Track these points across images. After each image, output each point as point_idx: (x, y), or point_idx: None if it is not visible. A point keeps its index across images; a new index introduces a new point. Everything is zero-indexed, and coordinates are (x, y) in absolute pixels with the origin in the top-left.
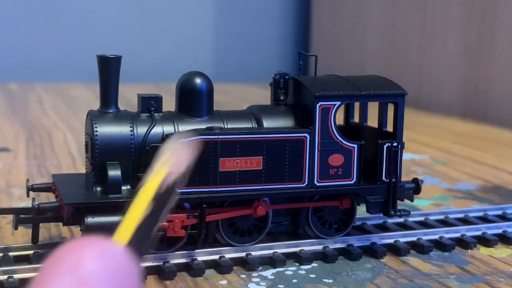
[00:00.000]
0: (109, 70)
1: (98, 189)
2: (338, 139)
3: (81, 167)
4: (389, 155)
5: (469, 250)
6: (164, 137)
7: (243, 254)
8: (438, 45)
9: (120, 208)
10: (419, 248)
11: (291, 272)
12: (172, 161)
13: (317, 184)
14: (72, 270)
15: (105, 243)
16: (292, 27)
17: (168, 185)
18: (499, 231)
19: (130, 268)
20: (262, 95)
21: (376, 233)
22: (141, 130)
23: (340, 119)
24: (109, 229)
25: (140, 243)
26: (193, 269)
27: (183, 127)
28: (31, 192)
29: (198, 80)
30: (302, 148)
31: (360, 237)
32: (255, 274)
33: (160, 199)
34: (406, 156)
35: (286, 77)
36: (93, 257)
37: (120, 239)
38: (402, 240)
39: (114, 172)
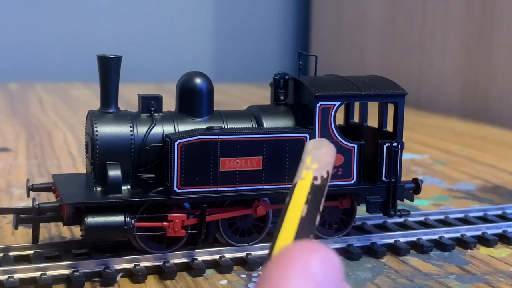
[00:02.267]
0: (109, 70)
1: (98, 189)
2: (338, 139)
3: (81, 167)
4: (389, 155)
5: (469, 250)
6: (164, 138)
7: (243, 254)
8: (438, 45)
9: (121, 208)
10: (419, 248)
11: None
12: (315, 165)
13: None
14: (305, 273)
15: (324, 248)
16: (292, 27)
17: (316, 186)
18: (499, 231)
19: (342, 274)
20: (262, 95)
21: (376, 233)
22: (141, 130)
23: (340, 119)
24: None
25: (304, 239)
26: (193, 269)
27: (183, 127)
28: (31, 192)
29: (198, 80)
30: (302, 148)
31: (360, 237)
32: (255, 274)
33: (311, 200)
34: (406, 156)
35: (286, 77)
36: (321, 261)
37: (286, 238)
38: (402, 240)
39: (114, 172)
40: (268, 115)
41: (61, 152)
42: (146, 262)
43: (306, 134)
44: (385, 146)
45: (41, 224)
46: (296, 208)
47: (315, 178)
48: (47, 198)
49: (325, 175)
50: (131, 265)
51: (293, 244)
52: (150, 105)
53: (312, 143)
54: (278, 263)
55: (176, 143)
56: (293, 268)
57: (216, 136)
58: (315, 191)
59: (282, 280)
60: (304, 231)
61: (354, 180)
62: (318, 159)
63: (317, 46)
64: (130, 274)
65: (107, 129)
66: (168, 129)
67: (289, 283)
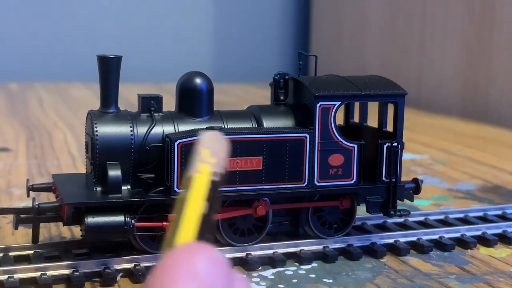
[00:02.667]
0: (109, 70)
1: (98, 189)
2: (338, 139)
3: (81, 167)
4: (389, 155)
5: (469, 250)
6: (164, 138)
7: (243, 254)
8: (438, 45)
9: (121, 208)
10: (419, 248)
11: (291, 272)
12: (212, 159)
13: (317, 184)
14: (190, 274)
15: (210, 249)
16: (292, 27)
17: (214, 183)
18: (499, 231)
19: (231, 272)
20: (262, 95)
21: (376, 233)
22: (141, 130)
23: (340, 119)
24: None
25: (204, 237)
26: None
27: (183, 127)
28: (31, 192)
29: (198, 80)
30: (302, 148)
31: (360, 237)
32: (255, 274)
33: (211, 197)
34: (406, 156)
35: (286, 77)
36: (206, 262)
37: (186, 236)
38: (402, 240)
39: (114, 172)
40: (268, 115)
41: (61, 152)
42: (146, 262)
43: (306, 134)
44: (385, 146)
45: (41, 224)
46: (195, 204)
47: (214, 174)
48: (47, 198)
49: (222, 171)
50: (131, 265)
51: (176, 248)
52: (150, 105)
53: (208, 135)
54: (164, 266)
55: (176, 143)
56: (179, 270)
57: None
58: (213, 187)
59: (168, 283)
60: (205, 229)
61: (354, 180)
62: (215, 153)
63: (317, 46)
64: (130, 274)
65: (107, 129)
66: (168, 129)
67: (175, 286)
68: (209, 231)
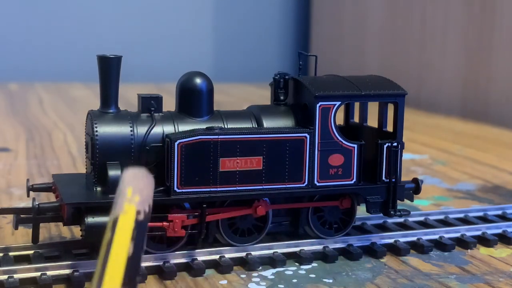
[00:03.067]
0: (109, 70)
1: (98, 189)
2: (338, 139)
3: (81, 167)
4: (389, 155)
5: (469, 250)
6: (164, 138)
7: (243, 254)
8: (438, 45)
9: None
10: (419, 248)
11: (291, 272)
12: (137, 197)
13: (317, 184)
14: None
15: None
16: (292, 27)
17: (140, 222)
18: (499, 231)
19: None
20: (262, 95)
21: (376, 233)
22: (141, 130)
23: (340, 119)
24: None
25: (131, 279)
26: (193, 269)
27: (183, 127)
28: (31, 192)
29: (198, 80)
30: (302, 148)
31: (360, 237)
32: (255, 274)
33: (136, 236)
34: (406, 156)
35: (286, 77)
36: None
37: (113, 280)
38: (402, 240)
39: (115, 172)
40: (268, 115)
41: (61, 152)
42: (146, 262)
43: (306, 134)
44: (385, 146)
45: (41, 224)
46: (121, 246)
47: (138, 212)
48: (47, 198)
49: (147, 209)
50: None
51: None
52: (150, 105)
53: (130, 173)
54: None
55: (176, 143)
56: None
57: (216, 136)
58: (139, 226)
59: None
60: (131, 271)
61: (354, 180)
62: (139, 191)
63: (317, 46)
64: None
65: (107, 129)
66: (168, 129)
67: None
68: (136, 272)
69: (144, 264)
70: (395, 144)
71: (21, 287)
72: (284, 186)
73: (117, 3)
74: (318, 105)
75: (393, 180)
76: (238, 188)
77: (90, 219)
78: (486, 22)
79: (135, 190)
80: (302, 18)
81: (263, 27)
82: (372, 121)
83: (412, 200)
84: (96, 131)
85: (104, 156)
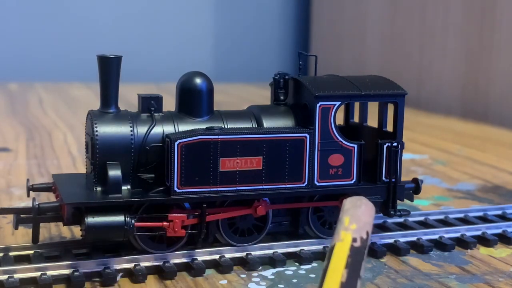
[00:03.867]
0: (109, 70)
1: (98, 189)
2: (338, 139)
3: (81, 167)
4: (389, 155)
5: (469, 250)
6: (164, 138)
7: (243, 254)
8: (438, 45)
9: (121, 208)
10: (419, 248)
11: (291, 272)
12: (354, 226)
13: (317, 184)
14: None
15: None
16: (292, 27)
17: (356, 249)
18: (499, 231)
19: None
20: (262, 95)
21: (376, 233)
22: (141, 130)
23: (340, 119)
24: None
25: None
26: (193, 269)
27: (183, 127)
28: (31, 192)
29: (198, 80)
30: (302, 148)
31: None
32: (255, 274)
33: (351, 263)
34: (406, 156)
35: (286, 77)
36: None
37: None
38: (402, 240)
39: (115, 172)
40: (268, 115)
41: (61, 152)
42: (146, 262)
43: (306, 134)
44: (385, 146)
45: (41, 224)
46: (336, 272)
47: (354, 240)
48: (47, 198)
49: (364, 236)
50: (131, 265)
51: None
52: (150, 105)
53: (349, 201)
54: None
55: (176, 143)
56: None
57: (216, 136)
58: (354, 253)
59: None
60: None
61: (354, 180)
62: (356, 219)
63: (317, 46)
64: (130, 274)
65: (107, 129)
66: (168, 129)
67: None
68: None
69: (144, 264)
70: (395, 144)
71: (21, 287)
72: (284, 186)
73: (117, 3)
74: (318, 105)
75: (393, 180)
76: (238, 188)
77: (90, 219)
78: (486, 22)
79: (352, 218)
80: (302, 18)
81: (263, 27)
82: (372, 121)
83: (412, 200)
84: (96, 131)
85: (104, 156)
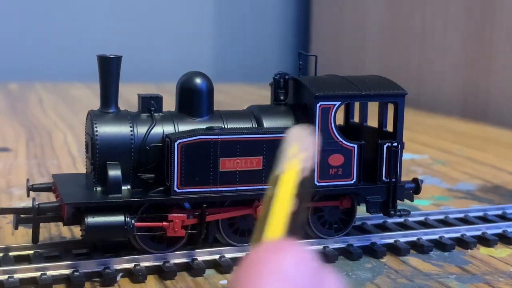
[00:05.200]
0: (109, 70)
1: (98, 189)
2: (338, 139)
3: (81, 167)
4: (389, 155)
5: (469, 250)
6: (164, 138)
7: (243, 254)
8: (438, 45)
9: (121, 208)
10: (419, 248)
11: None
12: (301, 155)
13: (317, 184)
14: (278, 271)
15: (299, 246)
16: (292, 27)
17: (303, 179)
18: (499, 231)
19: (321, 270)
20: (262, 95)
21: (376, 233)
22: (141, 130)
23: (340, 119)
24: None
25: (293, 234)
26: (194, 269)
27: (183, 127)
28: (31, 192)
29: (198, 80)
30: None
31: (360, 237)
32: None
33: (300, 193)
34: (406, 156)
35: (286, 77)
36: (296, 259)
37: (275, 233)
38: (402, 240)
39: (115, 172)
40: (268, 115)
41: (61, 152)
42: (146, 262)
43: None
44: (385, 146)
45: (41, 224)
46: (284, 201)
47: (303, 169)
48: (47, 198)
49: (312, 166)
50: (131, 265)
51: (264, 244)
52: (150, 105)
53: (296, 130)
54: (252, 262)
55: (176, 143)
56: (267, 267)
57: (216, 136)
58: (303, 183)
59: (256, 279)
60: (294, 226)
61: (354, 180)
62: (305, 148)
63: (317, 46)
64: (130, 274)
65: (107, 129)
66: (168, 129)
67: (263, 283)
68: (298, 228)
69: (144, 264)
70: (395, 144)
71: (21, 287)
72: None
73: (118, 3)
74: (318, 105)
75: (393, 180)
76: (238, 188)
77: (90, 219)
78: (486, 21)
79: (301, 146)
80: (302, 18)
81: (263, 27)
82: (372, 121)
83: (412, 200)
84: (96, 131)
85: (104, 156)
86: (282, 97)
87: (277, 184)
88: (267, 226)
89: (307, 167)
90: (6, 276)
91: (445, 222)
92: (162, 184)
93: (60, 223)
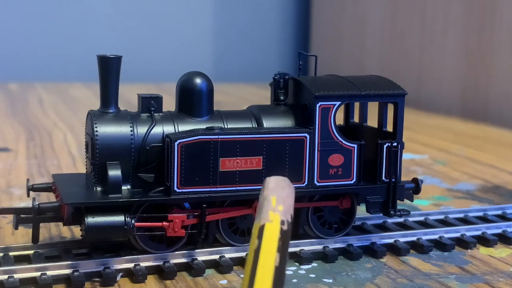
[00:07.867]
0: (109, 70)
1: (98, 189)
2: (338, 139)
3: (81, 167)
4: (389, 155)
5: (469, 250)
6: (164, 138)
7: (243, 254)
8: (438, 45)
9: (121, 208)
10: (419, 248)
11: (291, 272)
12: (281, 207)
13: (317, 184)
14: None
15: None
16: (292, 27)
17: (284, 232)
18: (499, 231)
19: None
20: (262, 95)
21: (376, 233)
22: (141, 130)
23: (340, 119)
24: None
25: None
26: (193, 269)
27: (183, 127)
28: (31, 192)
29: (198, 80)
30: (302, 148)
31: (360, 237)
32: None
33: (281, 247)
34: (406, 156)
35: (286, 77)
36: None
37: None
38: (402, 240)
39: (115, 172)
40: (268, 115)
41: (61, 152)
42: (146, 262)
43: (306, 134)
44: (385, 146)
45: (41, 224)
46: (269, 255)
47: (282, 222)
48: (47, 198)
49: (289, 219)
50: (131, 265)
51: None
52: (150, 105)
53: (273, 181)
54: None
55: (176, 143)
56: None
57: (216, 136)
58: (283, 237)
59: None
60: (278, 282)
61: (354, 180)
62: (282, 201)
63: (317, 46)
64: (130, 274)
65: (107, 129)
66: (168, 129)
67: None
68: (282, 284)
69: (144, 264)
70: (395, 144)
71: (21, 287)
72: None
73: (118, 3)
74: (318, 105)
75: (393, 180)
76: (238, 188)
77: (90, 219)
78: (486, 22)
79: (278, 199)
80: (302, 18)
81: (263, 27)
82: (372, 121)
83: (412, 200)
84: (96, 131)
85: (104, 156)
86: (282, 97)
87: (260, 237)
88: (255, 282)
89: (285, 221)
90: (6, 276)
91: (445, 222)
92: (162, 184)
93: (60, 223)
